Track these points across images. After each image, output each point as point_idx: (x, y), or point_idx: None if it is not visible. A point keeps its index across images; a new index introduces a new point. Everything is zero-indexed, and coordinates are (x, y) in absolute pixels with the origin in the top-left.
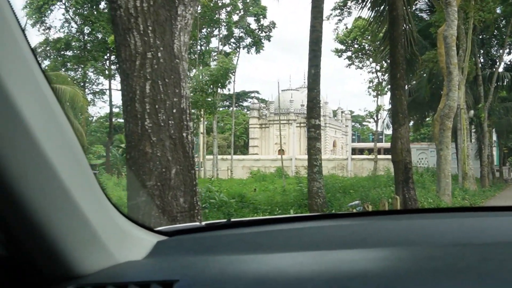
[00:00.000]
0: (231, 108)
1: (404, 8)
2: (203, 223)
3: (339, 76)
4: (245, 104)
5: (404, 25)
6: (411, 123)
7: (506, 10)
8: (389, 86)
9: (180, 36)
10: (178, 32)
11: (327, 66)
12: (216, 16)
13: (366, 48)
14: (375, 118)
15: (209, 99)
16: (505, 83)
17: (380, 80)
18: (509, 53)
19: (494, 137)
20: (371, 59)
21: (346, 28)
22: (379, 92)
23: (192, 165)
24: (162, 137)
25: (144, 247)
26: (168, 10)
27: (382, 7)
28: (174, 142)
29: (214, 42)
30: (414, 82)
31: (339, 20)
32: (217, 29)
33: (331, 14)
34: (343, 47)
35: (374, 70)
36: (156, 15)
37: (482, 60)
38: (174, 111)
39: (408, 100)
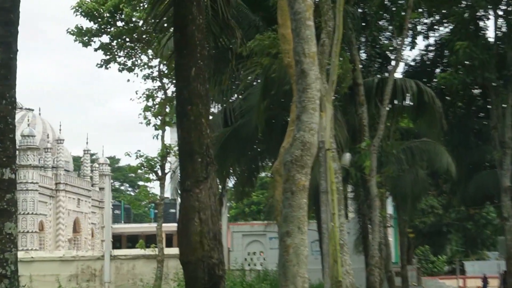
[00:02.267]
0: None
1: None
2: None
3: (89, 87)
4: None
5: None
6: (231, 182)
7: None
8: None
9: None
10: None
11: (62, 67)
12: None
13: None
14: (159, 172)
15: None
16: (407, 100)
17: (169, 95)
18: (412, 46)
19: (390, 208)
20: (151, 53)
21: None
22: (165, 119)
23: None
24: None
25: None
26: None
27: None
28: None
29: None
30: (234, 98)
31: None
32: None
33: None
34: (92, 26)
35: (155, 75)
36: None
37: (365, 56)
38: None
39: (222, 132)
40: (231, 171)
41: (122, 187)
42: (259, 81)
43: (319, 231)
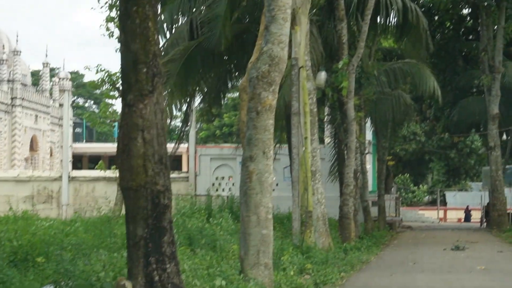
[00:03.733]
0: None
1: None
2: None
3: None
4: None
5: None
6: (198, 100)
7: None
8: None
9: None
10: None
11: None
12: None
13: None
14: (120, 87)
15: None
16: (390, 17)
17: None
18: None
19: (369, 134)
20: None
21: None
22: None
23: None
24: None
25: None
26: None
27: None
28: None
29: None
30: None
31: None
32: None
33: None
34: None
35: None
36: None
37: None
38: None
39: (186, 46)
40: (197, 88)
41: (86, 104)
42: None
43: (290, 156)
